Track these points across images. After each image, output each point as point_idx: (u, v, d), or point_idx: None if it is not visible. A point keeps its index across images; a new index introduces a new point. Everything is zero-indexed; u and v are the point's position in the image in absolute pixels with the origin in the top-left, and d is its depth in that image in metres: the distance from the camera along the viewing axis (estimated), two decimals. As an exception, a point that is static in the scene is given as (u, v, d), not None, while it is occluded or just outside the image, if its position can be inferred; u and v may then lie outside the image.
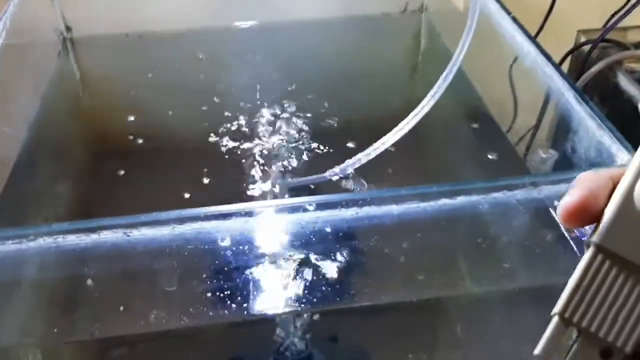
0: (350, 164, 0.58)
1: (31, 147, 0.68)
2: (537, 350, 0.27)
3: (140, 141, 0.74)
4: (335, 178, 0.59)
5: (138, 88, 0.83)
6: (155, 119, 0.78)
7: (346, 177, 0.60)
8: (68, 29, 0.88)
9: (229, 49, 0.89)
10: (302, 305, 0.43)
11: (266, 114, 0.76)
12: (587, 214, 0.26)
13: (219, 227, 0.40)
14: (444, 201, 0.38)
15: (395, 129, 0.57)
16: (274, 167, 0.68)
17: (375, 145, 0.57)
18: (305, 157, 0.69)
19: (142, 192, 0.67)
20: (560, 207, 0.26)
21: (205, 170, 0.67)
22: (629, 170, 0.26)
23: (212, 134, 0.73)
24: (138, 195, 0.67)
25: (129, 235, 0.41)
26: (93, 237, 0.41)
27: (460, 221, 0.43)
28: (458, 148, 0.72)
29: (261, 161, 0.69)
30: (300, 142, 0.71)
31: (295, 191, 0.64)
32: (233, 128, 0.74)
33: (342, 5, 0.92)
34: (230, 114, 0.76)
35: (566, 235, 0.44)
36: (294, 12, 0.91)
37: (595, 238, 0.26)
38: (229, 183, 0.67)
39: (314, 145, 0.70)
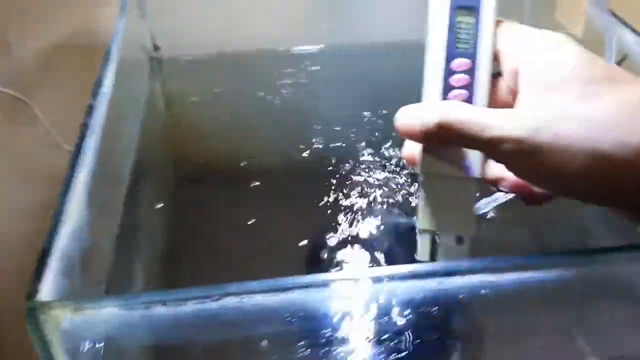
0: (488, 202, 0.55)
1: (137, 175, 0.66)
2: (418, 256, 0.39)
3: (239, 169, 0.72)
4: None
5: (224, 110, 0.81)
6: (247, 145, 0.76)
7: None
8: (156, 48, 0.86)
9: (324, 70, 0.86)
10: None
11: (367, 140, 0.73)
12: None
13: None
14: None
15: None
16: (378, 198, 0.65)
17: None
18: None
19: (233, 224, 0.64)
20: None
21: (298, 199, 0.65)
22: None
23: (303, 159, 0.71)
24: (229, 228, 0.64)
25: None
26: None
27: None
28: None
29: (362, 190, 0.66)
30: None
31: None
32: (329, 155, 0.71)
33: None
34: (325, 139, 0.73)
35: None
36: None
37: (419, 169, 0.37)
38: (325, 214, 0.63)
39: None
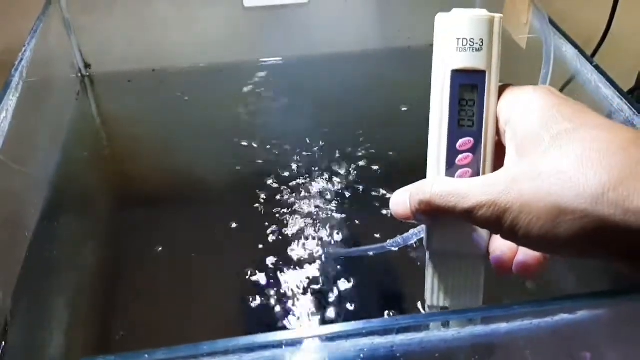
0: (415, 234, 0.51)
1: (52, 206, 0.62)
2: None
3: (168, 190, 0.67)
4: (395, 248, 0.52)
5: (160, 129, 0.77)
6: (182, 165, 0.71)
7: (409, 248, 0.54)
8: (87, 66, 0.82)
9: (257, 85, 0.82)
10: None
11: (305, 155, 0.70)
12: None
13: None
14: (562, 316, 0.32)
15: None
16: (318, 226, 0.61)
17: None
18: (353, 211, 0.62)
19: (171, 246, 0.60)
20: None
21: (236, 225, 0.61)
22: None
23: (244, 180, 0.67)
24: (168, 251, 0.60)
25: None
26: None
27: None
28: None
29: (303, 216, 0.62)
30: (347, 192, 0.64)
31: (347, 261, 0.57)
32: (268, 174, 0.67)
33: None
34: (265, 158, 0.70)
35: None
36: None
37: (426, 247, 0.38)
38: (263, 241, 0.60)
39: (362, 194, 0.64)
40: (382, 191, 0.64)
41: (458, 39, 0.34)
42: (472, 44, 0.34)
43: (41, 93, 0.67)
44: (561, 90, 0.62)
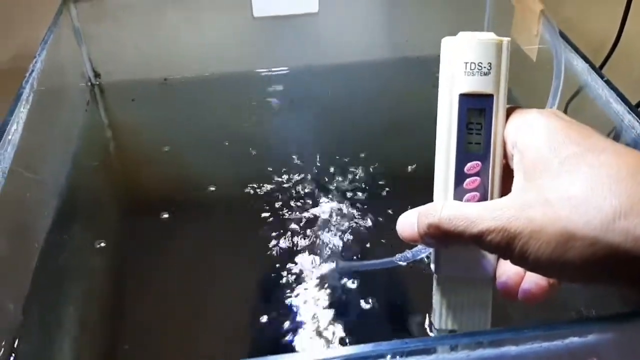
0: (424, 249, 0.51)
1: (62, 216, 0.62)
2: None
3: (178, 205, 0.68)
4: (403, 263, 0.52)
5: (169, 138, 0.77)
6: (192, 174, 0.71)
7: (418, 262, 0.54)
8: (97, 75, 0.82)
9: (267, 94, 0.82)
10: None
11: (312, 165, 0.70)
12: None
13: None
14: (572, 339, 0.31)
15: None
16: (326, 241, 0.61)
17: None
18: (363, 224, 0.62)
19: (181, 256, 0.60)
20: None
21: (245, 234, 0.61)
22: None
23: (254, 193, 0.67)
24: (177, 261, 0.60)
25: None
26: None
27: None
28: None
29: (309, 226, 0.62)
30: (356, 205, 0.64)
31: (354, 276, 0.57)
32: (276, 183, 0.67)
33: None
34: (273, 167, 0.70)
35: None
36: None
37: (434, 271, 0.38)
38: (271, 252, 0.59)
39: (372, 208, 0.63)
40: (391, 203, 0.64)
41: (466, 62, 0.34)
42: (480, 68, 0.34)
43: (51, 102, 0.68)
44: (569, 103, 0.62)
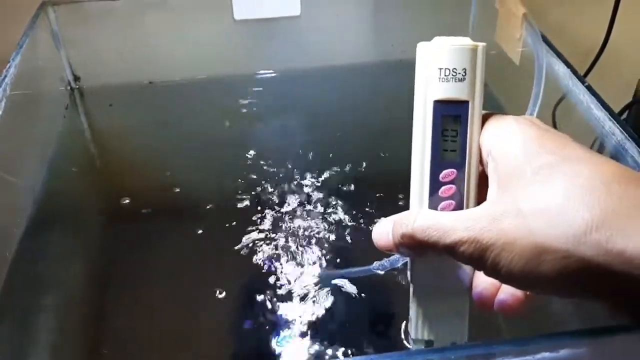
0: (401, 257, 0.50)
1: (37, 224, 0.61)
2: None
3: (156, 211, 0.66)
4: (382, 272, 0.51)
5: (151, 142, 0.76)
6: (173, 179, 0.70)
7: (395, 270, 0.53)
8: (77, 79, 0.81)
9: (251, 97, 0.81)
10: None
11: (298, 169, 0.69)
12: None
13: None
14: (544, 354, 0.31)
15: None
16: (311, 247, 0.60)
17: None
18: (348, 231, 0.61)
19: (161, 267, 0.59)
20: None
21: (229, 242, 0.60)
22: None
23: (236, 195, 0.66)
24: (157, 267, 0.59)
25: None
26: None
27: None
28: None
29: (294, 234, 0.61)
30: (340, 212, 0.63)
31: (335, 284, 0.56)
32: (261, 188, 0.66)
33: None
34: (258, 172, 0.69)
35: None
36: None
37: (410, 280, 0.37)
38: (255, 257, 0.58)
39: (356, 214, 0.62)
40: (375, 207, 0.63)
41: (440, 68, 0.33)
42: (454, 74, 0.33)
43: (27, 107, 0.66)
44: (556, 108, 0.61)
